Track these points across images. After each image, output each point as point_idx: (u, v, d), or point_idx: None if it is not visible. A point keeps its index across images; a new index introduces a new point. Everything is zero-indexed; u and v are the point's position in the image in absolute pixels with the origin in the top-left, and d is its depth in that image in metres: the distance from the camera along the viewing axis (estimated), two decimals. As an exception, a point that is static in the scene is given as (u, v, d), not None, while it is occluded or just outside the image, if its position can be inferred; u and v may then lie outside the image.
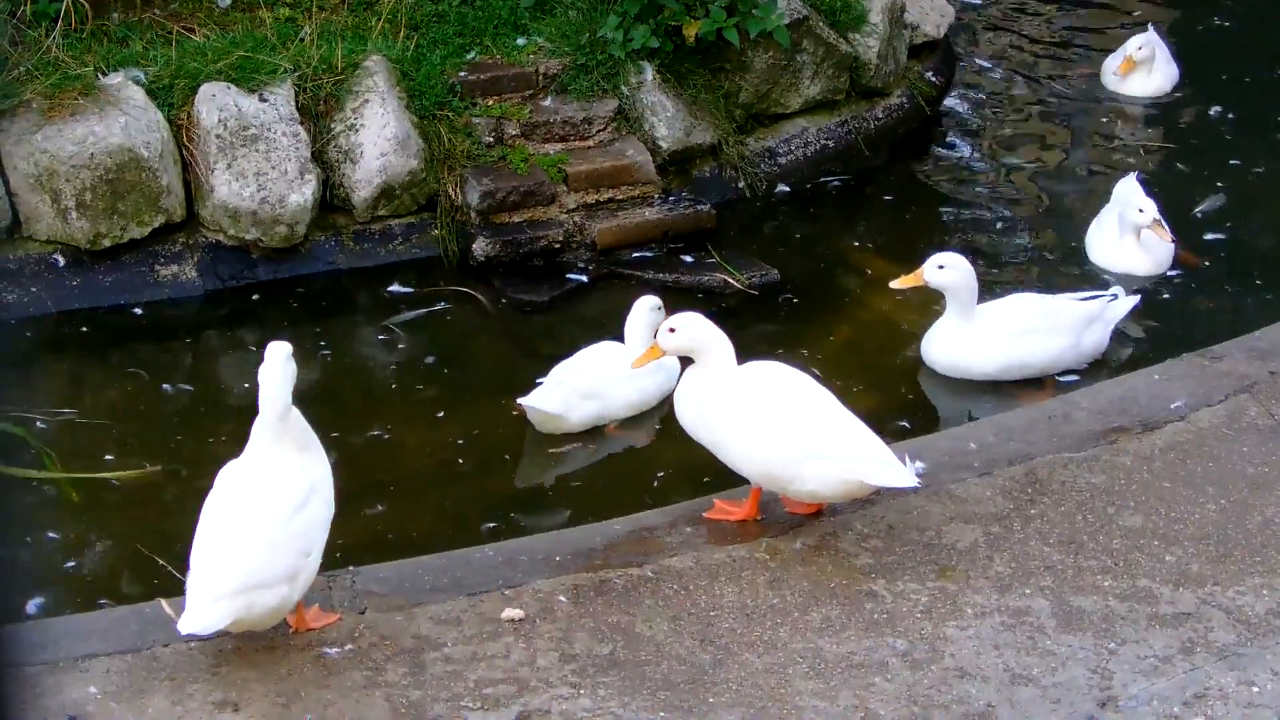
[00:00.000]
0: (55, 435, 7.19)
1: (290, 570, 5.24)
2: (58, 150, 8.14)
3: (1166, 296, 8.58)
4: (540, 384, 7.23)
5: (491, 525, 6.67)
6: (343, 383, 7.76)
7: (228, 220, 8.40)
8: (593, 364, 7.32)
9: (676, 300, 8.37)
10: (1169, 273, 8.73)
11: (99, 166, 8.15)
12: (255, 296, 8.40)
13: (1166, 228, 8.55)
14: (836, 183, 9.82)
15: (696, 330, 6.10)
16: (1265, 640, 5.49)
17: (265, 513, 5.25)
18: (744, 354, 6.23)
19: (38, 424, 7.23)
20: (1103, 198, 9.72)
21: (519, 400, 7.14)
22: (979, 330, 7.69)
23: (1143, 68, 11.01)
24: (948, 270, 7.62)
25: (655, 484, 6.91)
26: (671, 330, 6.14)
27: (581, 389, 7.22)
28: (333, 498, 5.47)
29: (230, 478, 5.38)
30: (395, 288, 8.46)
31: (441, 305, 8.31)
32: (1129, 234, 8.60)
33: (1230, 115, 10.80)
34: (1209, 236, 9.17)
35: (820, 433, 5.91)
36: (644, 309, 7.47)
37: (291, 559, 5.25)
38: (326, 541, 5.43)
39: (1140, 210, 8.54)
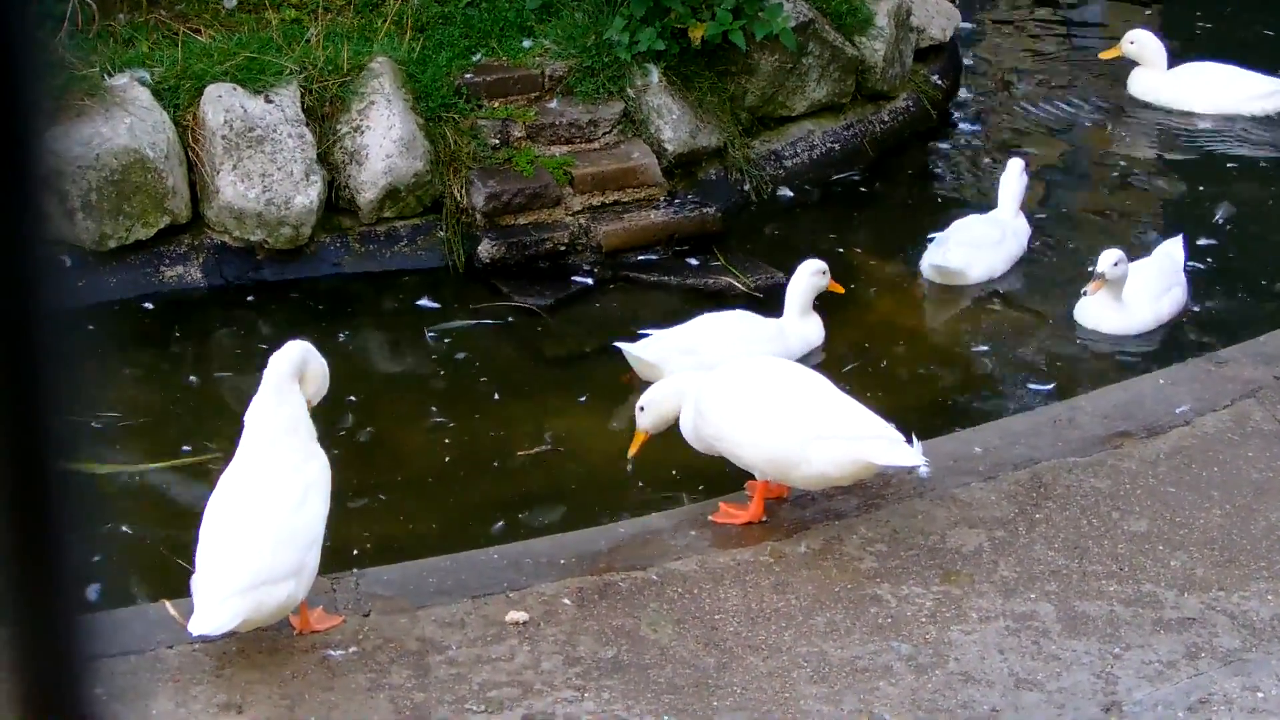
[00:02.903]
0: (102, 434, 7.22)
1: (296, 565, 5.27)
2: (63, 151, 8.12)
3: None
4: (647, 334, 7.57)
5: (495, 528, 6.66)
6: (347, 383, 7.75)
7: (233, 221, 8.41)
8: (705, 326, 7.61)
9: (682, 303, 8.39)
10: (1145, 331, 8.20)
11: (104, 167, 8.16)
12: (260, 297, 8.41)
13: (1098, 285, 8.01)
14: (842, 186, 9.82)
15: (661, 399, 6.26)
16: (1270, 645, 5.48)
17: (269, 508, 5.28)
18: (749, 357, 6.22)
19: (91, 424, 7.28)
20: (1107, 200, 9.75)
21: (618, 344, 7.43)
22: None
23: (1148, 67, 10.91)
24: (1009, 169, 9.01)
25: (660, 487, 6.91)
26: (641, 409, 6.31)
27: (681, 345, 7.46)
28: (329, 491, 5.49)
29: (231, 476, 5.41)
30: (425, 301, 8.44)
31: (492, 321, 8.28)
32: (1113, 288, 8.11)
33: (1236, 116, 10.77)
34: (1213, 242, 9.16)
35: (824, 411, 5.97)
36: (805, 273, 7.79)
37: (297, 553, 5.28)
38: (328, 543, 5.46)
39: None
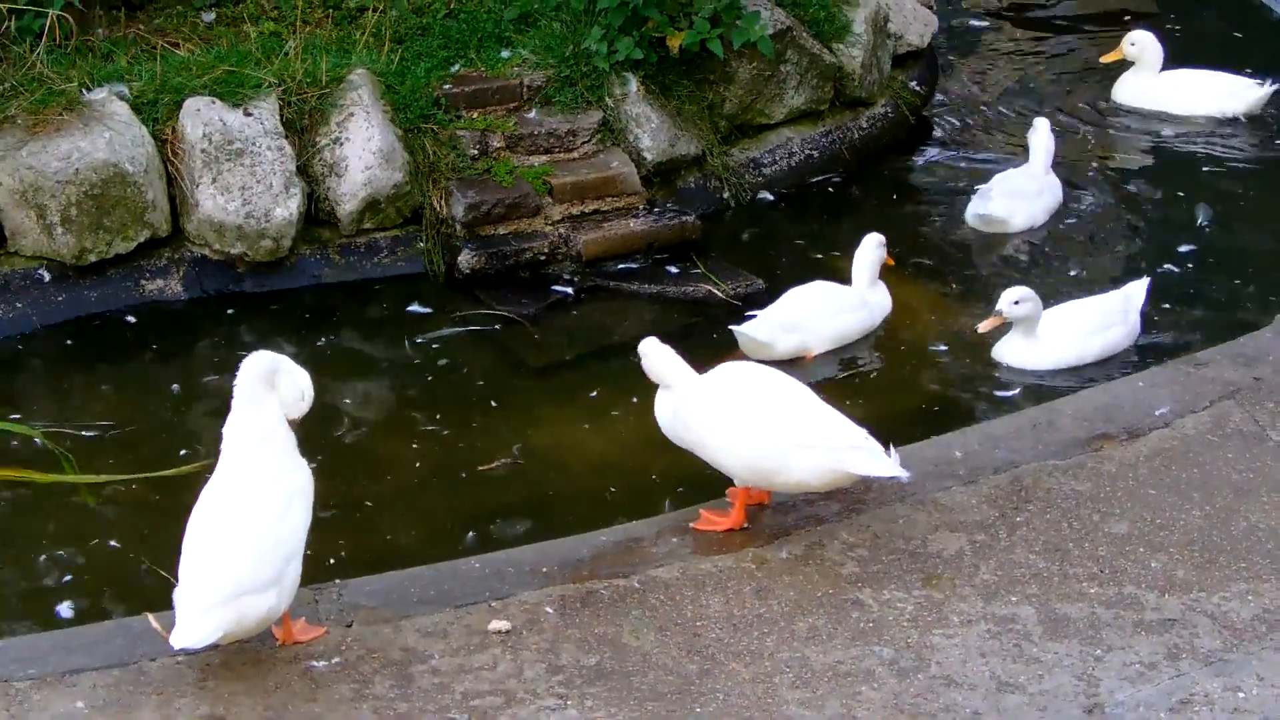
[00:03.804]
0: (90, 445, 7.23)
1: (278, 575, 5.28)
2: (43, 166, 8.13)
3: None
4: (753, 315, 7.95)
5: (477, 537, 6.67)
6: (328, 394, 7.75)
7: (213, 234, 8.41)
8: (799, 301, 8.07)
9: (662, 311, 8.42)
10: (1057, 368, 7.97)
11: (84, 182, 8.15)
12: (241, 310, 8.40)
13: (993, 323, 7.89)
14: (821, 192, 9.84)
15: (655, 361, 6.25)
16: (1251, 646, 5.51)
17: (252, 519, 5.28)
18: (729, 364, 6.23)
19: (84, 434, 7.28)
20: (1090, 204, 9.77)
21: (731, 326, 7.85)
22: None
23: (1139, 70, 10.95)
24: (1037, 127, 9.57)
25: (642, 494, 6.91)
26: (645, 356, 6.31)
27: (785, 322, 7.95)
28: (311, 501, 5.49)
29: (213, 487, 5.41)
30: (407, 311, 8.45)
31: (477, 328, 8.29)
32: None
33: (1215, 120, 10.80)
34: (1192, 245, 9.19)
35: (803, 420, 5.99)
36: (870, 246, 8.27)
37: (279, 564, 5.29)
38: (312, 554, 5.47)
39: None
